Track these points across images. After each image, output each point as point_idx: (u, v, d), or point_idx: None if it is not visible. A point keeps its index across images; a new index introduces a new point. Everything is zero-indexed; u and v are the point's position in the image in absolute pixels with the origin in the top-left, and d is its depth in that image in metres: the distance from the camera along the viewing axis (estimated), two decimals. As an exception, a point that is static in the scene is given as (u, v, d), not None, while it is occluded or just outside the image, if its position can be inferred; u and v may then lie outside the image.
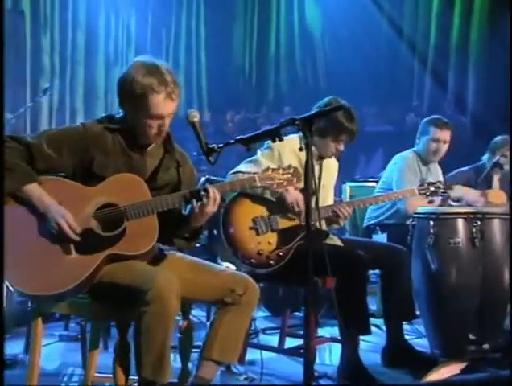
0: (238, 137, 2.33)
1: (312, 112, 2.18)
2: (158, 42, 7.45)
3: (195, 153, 3.90)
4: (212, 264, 2.57)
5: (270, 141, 2.99)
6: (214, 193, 2.35)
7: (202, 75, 7.66)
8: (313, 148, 3.17)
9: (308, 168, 2.13)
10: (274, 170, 2.39)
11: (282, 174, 2.39)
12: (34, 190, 2.27)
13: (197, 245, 4.30)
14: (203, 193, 2.34)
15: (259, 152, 3.14)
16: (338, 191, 4.38)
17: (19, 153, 2.28)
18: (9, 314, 3.08)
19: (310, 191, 2.13)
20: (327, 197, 3.34)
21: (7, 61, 6.61)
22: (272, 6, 7.79)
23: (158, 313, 2.16)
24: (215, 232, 3.18)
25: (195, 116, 2.41)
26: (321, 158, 3.29)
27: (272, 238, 3.05)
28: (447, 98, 6.84)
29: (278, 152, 3.07)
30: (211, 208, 2.36)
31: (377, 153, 6.65)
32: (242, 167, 3.07)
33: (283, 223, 3.08)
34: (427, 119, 4.14)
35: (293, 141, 3.14)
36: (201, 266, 2.51)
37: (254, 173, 2.50)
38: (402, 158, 4.10)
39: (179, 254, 2.59)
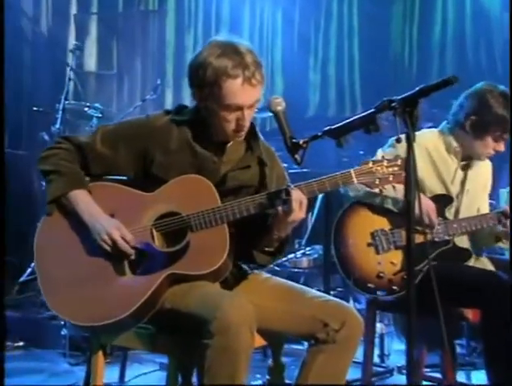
0: (326, 128, 1.98)
1: (415, 90, 1.76)
2: (305, 36, 7.20)
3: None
4: (305, 288, 2.23)
5: (393, 139, 2.69)
6: (298, 195, 2.01)
7: (355, 69, 7.28)
8: (457, 146, 2.76)
9: (409, 168, 1.73)
10: (375, 162, 2.05)
11: (387, 167, 2.04)
12: (81, 197, 2.08)
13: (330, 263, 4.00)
14: (284, 195, 2.01)
15: (380, 151, 2.74)
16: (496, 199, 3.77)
17: (69, 155, 2.12)
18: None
19: (410, 198, 1.72)
20: (474, 205, 2.83)
21: (151, 63, 6.93)
22: (438, -19, 7.16)
23: (224, 347, 1.86)
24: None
25: (278, 104, 2.12)
26: (468, 158, 2.81)
27: (395, 257, 2.67)
28: None
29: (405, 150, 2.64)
30: (296, 214, 2.02)
31: None
32: None
33: (410, 239, 2.65)
34: None
35: (425, 136, 2.78)
36: (290, 291, 2.18)
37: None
38: None
39: (265, 275, 2.29)
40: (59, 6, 6.68)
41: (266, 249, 2.18)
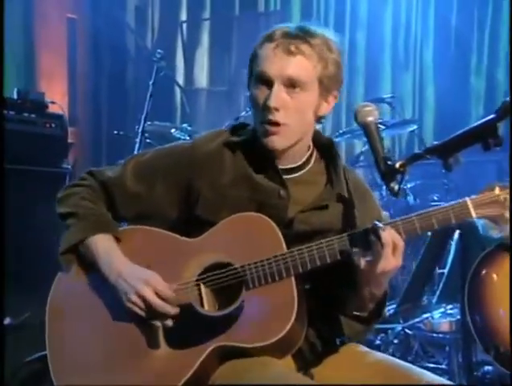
0: (431, 145, 1.71)
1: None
2: (465, 34, 6.90)
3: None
4: (413, 368, 1.96)
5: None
6: (391, 235, 1.76)
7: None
8: None
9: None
10: (502, 188, 1.84)
11: None
12: (100, 243, 1.92)
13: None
14: (372, 237, 1.78)
15: None
16: None
17: (93, 194, 2.00)
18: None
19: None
20: None
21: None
22: None
23: None
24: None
25: (369, 113, 1.89)
26: None
27: (560, 325, 2.36)
28: None
29: None
30: (389, 262, 1.78)
31: None
32: None
33: None
34: None
35: None
36: (393, 371, 1.92)
37: None
38: None
39: (362, 348, 2.05)
40: (166, 14, 6.85)
41: (358, 314, 1.94)
